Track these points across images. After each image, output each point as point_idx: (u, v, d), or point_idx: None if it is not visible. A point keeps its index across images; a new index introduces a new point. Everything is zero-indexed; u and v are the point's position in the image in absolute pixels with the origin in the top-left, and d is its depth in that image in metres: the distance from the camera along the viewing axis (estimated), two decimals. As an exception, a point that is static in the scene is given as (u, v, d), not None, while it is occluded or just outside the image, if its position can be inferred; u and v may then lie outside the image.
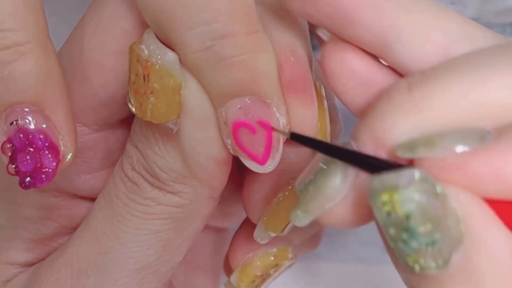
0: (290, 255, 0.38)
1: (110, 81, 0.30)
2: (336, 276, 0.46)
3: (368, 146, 0.25)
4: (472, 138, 0.24)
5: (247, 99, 0.28)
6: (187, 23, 0.26)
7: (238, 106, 0.28)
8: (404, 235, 0.23)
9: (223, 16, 0.26)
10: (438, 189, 0.23)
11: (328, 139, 0.31)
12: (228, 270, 0.38)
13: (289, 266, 0.39)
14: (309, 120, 0.30)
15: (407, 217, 0.23)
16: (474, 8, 0.49)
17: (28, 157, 0.26)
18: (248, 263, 0.38)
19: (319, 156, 0.27)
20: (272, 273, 0.38)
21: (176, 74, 0.27)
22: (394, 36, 0.27)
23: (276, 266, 0.38)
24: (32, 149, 0.26)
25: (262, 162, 0.29)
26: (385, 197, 0.23)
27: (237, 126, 0.28)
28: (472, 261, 0.24)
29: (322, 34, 0.29)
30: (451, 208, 0.23)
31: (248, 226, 0.38)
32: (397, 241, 0.23)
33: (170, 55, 0.27)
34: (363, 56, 0.28)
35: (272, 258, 0.38)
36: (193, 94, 0.28)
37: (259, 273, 0.38)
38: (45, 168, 0.26)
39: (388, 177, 0.23)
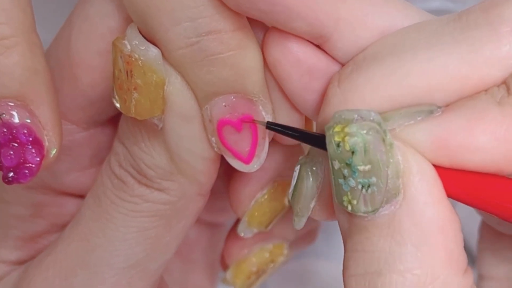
0: (285, 251, 0.38)
1: (98, 79, 0.30)
2: (335, 276, 0.46)
3: None
4: (422, 112, 0.25)
5: (232, 97, 0.28)
6: (172, 18, 0.26)
7: (223, 103, 0.28)
8: (346, 171, 0.24)
9: (209, 12, 0.26)
10: (388, 136, 0.24)
11: None
12: (225, 266, 0.38)
13: (284, 262, 0.39)
14: (295, 121, 0.30)
15: (352, 152, 0.24)
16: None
17: (11, 152, 0.26)
18: (244, 259, 0.38)
19: (297, 163, 0.28)
20: (267, 269, 0.38)
21: (159, 70, 0.27)
22: (331, 26, 0.27)
23: (272, 262, 0.38)
24: (16, 144, 0.26)
25: (247, 161, 0.29)
26: (338, 128, 0.24)
27: (222, 124, 0.28)
28: (399, 219, 0.24)
29: None
30: (395, 159, 0.24)
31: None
32: (338, 177, 0.25)
33: (153, 51, 0.27)
34: (307, 44, 0.28)
35: (268, 254, 0.38)
36: (177, 91, 0.28)
37: (254, 269, 0.38)
38: (28, 163, 0.26)
39: (347, 112, 0.25)
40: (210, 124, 0.28)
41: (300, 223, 0.29)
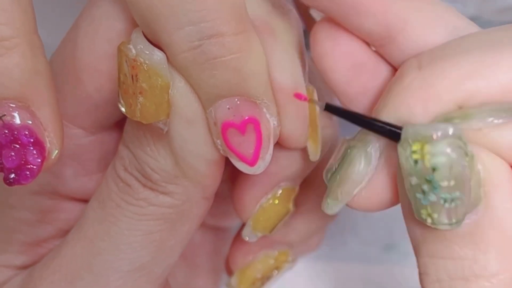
0: (290, 258, 0.39)
1: (104, 83, 0.30)
2: (336, 276, 0.46)
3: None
4: (506, 111, 0.24)
5: (236, 100, 0.28)
6: (175, 22, 0.26)
7: (227, 106, 0.28)
8: (425, 186, 0.24)
9: (211, 16, 0.26)
10: (469, 148, 0.24)
11: (319, 143, 0.31)
12: (229, 271, 0.38)
13: (289, 269, 0.39)
14: (300, 123, 0.30)
15: (434, 169, 0.23)
16: (474, 6, 0.48)
17: (13, 153, 0.26)
18: (248, 266, 0.38)
19: (342, 144, 0.28)
20: (272, 275, 0.38)
21: (164, 74, 0.27)
22: (399, 27, 0.27)
23: (276, 268, 0.38)
24: (17, 145, 0.26)
25: (251, 163, 0.29)
26: (416, 146, 0.24)
27: (226, 127, 0.28)
28: (482, 228, 0.24)
29: (315, 14, 0.29)
30: (475, 169, 0.24)
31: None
32: (416, 191, 0.24)
33: (158, 55, 0.27)
34: (356, 38, 0.28)
35: (272, 261, 0.38)
36: (181, 94, 0.28)
37: (259, 276, 0.38)
38: (30, 164, 0.26)
39: (422, 128, 0.24)
40: (214, 127, 0.28)
41: (335, 208, 0.28)
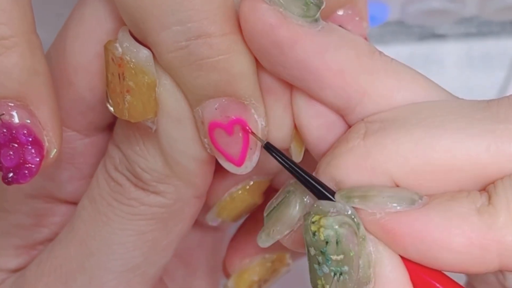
0: (288, 261, 0.38)
1: (96, 84, 0.30)
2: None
3: (324, 180, 0.27)
4: (404, 200, 0.26)
5: (224, 100, 0.28)
6: (162, 22, 0.26)
7: (215, 106, 0.28)
8: (320, 258, 0.25)
9: (198, 16, 0.26)
10: (361, 229, 0.26)
11: (303, 145, 0.32)
12: (226, 273, 0.38)
13: (286, 272, 0.39)
14: (286, 124, 0.30)
15: (326, 242, 0.25)
16: (474, 6, 0.49)
17: (11, 152, 0.26)
18: (246, 269, 0.38)
19: (286, 186, 0.29)
20: (269, 279, 0.38)
21: (150, 71, 0.27)
22: (358, 99, 0.28)
23: (274, 272, 0.38)
24: (15, 145, 0.26)
25: (238, 163, 0.29)
26: (315, 218, 0.25)
27: (213, 127, 0.28)
28: None
29: None
30: (367, 250, 0.26)
31: (245, 231, 0.38)
32: (313, 262, 0.26)
33: (144, 52, 0.27)
34: None
35: (270, 264, 0.38)
36: (167, 92, 0.28)
37: (256, 279, 0.38)
38: (28, 163, 0.26)
39: (324, 204, 0.26)
40: (202, 126, 0.28)
41: (266, 243, 0.29)
